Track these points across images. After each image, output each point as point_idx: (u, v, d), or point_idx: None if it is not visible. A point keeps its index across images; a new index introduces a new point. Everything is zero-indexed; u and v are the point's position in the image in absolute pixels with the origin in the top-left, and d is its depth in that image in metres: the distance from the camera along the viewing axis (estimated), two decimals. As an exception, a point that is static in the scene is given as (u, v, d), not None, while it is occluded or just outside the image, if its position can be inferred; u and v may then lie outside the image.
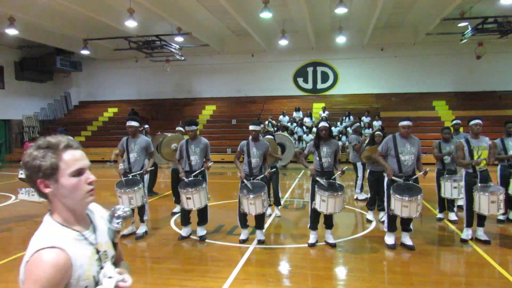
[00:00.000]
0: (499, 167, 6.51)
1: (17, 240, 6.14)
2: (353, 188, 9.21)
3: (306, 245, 5.46)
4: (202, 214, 5.83)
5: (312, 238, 5.50)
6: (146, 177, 6.06)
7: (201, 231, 5.84)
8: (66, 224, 1.36)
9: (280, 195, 7.48)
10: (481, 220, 5.50)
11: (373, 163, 6.67)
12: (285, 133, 11.69)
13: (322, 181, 5.31)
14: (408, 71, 21.05)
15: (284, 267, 4.98)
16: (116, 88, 24.27)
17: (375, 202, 6.84)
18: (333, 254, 5.24)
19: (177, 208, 7.58)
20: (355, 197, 8.87)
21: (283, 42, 18.48)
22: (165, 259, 5.13)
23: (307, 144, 5.89)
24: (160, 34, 17.18)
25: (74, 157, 1.36)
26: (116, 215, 1.50)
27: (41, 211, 7.55)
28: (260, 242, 5.56)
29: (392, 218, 5.31)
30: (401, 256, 5.13)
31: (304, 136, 18.10)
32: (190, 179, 5.70)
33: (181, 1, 15.25)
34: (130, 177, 5.84)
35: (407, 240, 5.32)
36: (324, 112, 19.36)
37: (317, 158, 5.48)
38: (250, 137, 5.75)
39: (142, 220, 6.01)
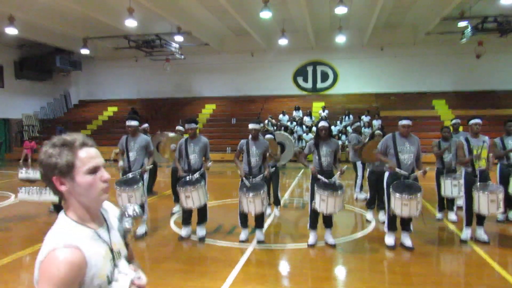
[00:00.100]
0: (498, 166, 6.52)
1: (16, 240, 6.13)
2: (353, 187, 9.21)
3: (306, 245, 5.46)
4: (202, 213, 5.82)
5: (311, 238, 5.49)
6: (146, 176, 6.05)
7: (201, 231, 5.83)
8: (81, 221, 1.36)
9: (279, 195, 7.47)
10: (481, 219, 5.50)
11: (374, 163, 6.67)
12: (285, 132, 11.68)
13: (323, 179, 5.31)
14: (408, 70, 21.05)
15: (283, 267, 4.98)
16: (115, 87, 24.27)
17: (375, 201, 6.83)
18: (332, 254, 5.24)
19: (176, 208, 7.57)
20: (354, 197, 8.87)
21: (283, 42, 18.48)
22: (165, 259, 5.13)
23: (307, 144, 5.89)
24: (160, 33, 17.18)
25: (89, 155, 1.36)
26: (126, 214, 1.50)
27: (41, 211, 7.56)
28: (259, 242, 5.56)
29: (392, 218, 5.31)
30: (401, 256, 5.13)
31: (304, 135, 18.11)
32: (189, 178, 5.69)
33: (181, 0, 15.23)
34: (130, 176, 5.83)
35: (406, 240, 5.32)
36: (323, 111, 19.36)
37: (317, 158, 5.48)
38: (250, 136, 5.74)
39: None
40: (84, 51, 18.77)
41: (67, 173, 1.32)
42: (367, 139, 7.79)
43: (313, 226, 5.50)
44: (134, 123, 6.01)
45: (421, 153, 5.41)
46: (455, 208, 6.85)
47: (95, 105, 24.40)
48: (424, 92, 20.81)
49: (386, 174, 5.38)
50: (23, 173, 6.97)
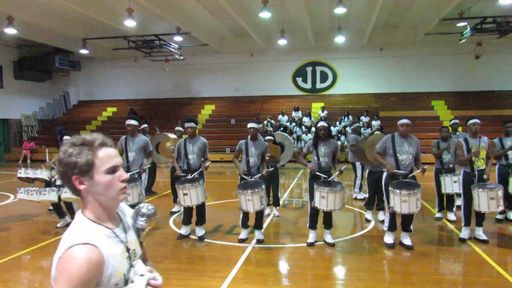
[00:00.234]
0: (497, 166, 6.55)
1: (15, 240, 6.13)
2: (352, 187, 9.22)
3: (305, 244, 5.47)
4: (200, 214, 5.83)
5: (311, 238, 5.51)
6: (144, 175, 6.06)
7: (200, 231, 5.84)
8: (98, 221, 1.37)
9: (279, 195, 7.48)
10: (480, 219, 5.51)
11: (373, 165, 6.67)
12: (284, 133, 11.69)
13: (322, 175, 5.32)
14: (407, 71, 21.07)
15: (283, 266, 4.98)
16: (115, 87, 24.26)
17: (374, 201, 6.84)
18: (332, 253, 5.25)
19: (176, 208, 7.58)
20: (354, 197, 8.88)
21: (282, 42, 18.48)
22: (164, 259, 5.13)
23: (306, 144, 5.91)
24: (159, 34, 17.17)
25: (109, 155, 1.37)
26: (140, 213, 1.51)
27: (40, 211, 7.56)
28: (259, 241, 5.56)
29: (393, 217, 5.32)
30: (400, 255, 5.14)
31: (303, 135, 18.11)
32: (187, 177, 5.70)
33: (180, 0, 15.24)
34: (128, 175, 5.83)
35: (406, 239, 5.33)
36: (323, 111, 19.37)
37: (315, 158, 5.49)
38: (249, 137, 5.76)
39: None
40: (83, 51, 18.75)
41: (86, 172, 1.33)
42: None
43: (313, 225, 5.50)
44: (133, 122, 6.02)
45: (420, 153, 5.42)
46: (454, 208, 6.86)
47: (94, 106, 24.38)
48: (423, 93, 20.82)
49: (385, 174, 5.40)
50: (22, 173, 6.98)
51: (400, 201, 5.01)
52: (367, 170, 7.03)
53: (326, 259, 5.12)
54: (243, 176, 5.61)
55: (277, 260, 5.11)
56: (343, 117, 19.19)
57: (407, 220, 5.28)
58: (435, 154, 6.79)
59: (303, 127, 18.71)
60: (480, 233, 5.53)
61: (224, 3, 13.78)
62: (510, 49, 19.59)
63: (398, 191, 5.01)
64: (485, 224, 5.65)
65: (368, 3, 15.34)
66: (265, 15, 13.40)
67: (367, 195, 7.26)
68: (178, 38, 17.73)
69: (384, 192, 5.40)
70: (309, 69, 22.35)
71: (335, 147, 5.57)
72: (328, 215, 5.44)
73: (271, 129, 16.82)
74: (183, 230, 5.88)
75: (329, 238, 5.48)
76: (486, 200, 5.21)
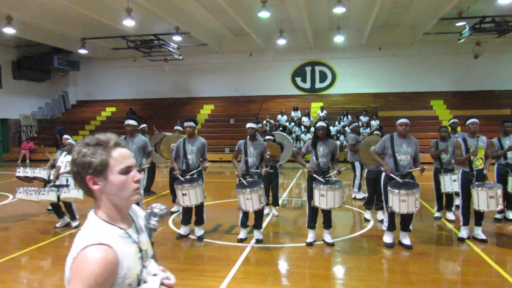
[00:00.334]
0: (496, 166, 6.56)
1: (14, 240, 6.13)
2: (351, 187, 9.23)
3: (304, 244, 5.47)
4: (199, 214, 5.83)
5: (310, 237, 5.51)
6: (143, 175, 6.05)
7: (199, 231, 5.84)
8: (111, 221, 1.36)
9: (279, 195, 7.48)
10: (479, 219, 5.52)
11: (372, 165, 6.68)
12: (283, 133, 11.69)
13: (319, 178, 5.32)
14: (406, 70, 21.08)
15: (282, 266, 4.98)
16: (114, 87, 24.23)
17: (373, 201, 6.85)
18: (331, 253, 5.25)
19: (175, 208, 7.58)
20: (353, 196, 8.88)
21: (281, 42, 18.48)
22: (163, 259, 5.12)
23: (305, 143, 5.91)
24: (158, 34, 17.15)
25: (123, 155, 1.37)
26: (153, 213, 1.51)
27: (39, 211, 7.55)
28: (258, 241, 5.57)
29: (392, 217, 5.32)
30: (399, 255, 5.15)
31: (302, 135, 18.11)
32: (186, 177, 5.70)
33: (179, 0, 15.23)
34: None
35: (405, 239, 5.34)
36: (322, 111, 19.38)
37: (314, 158, 5.49)
38: (248, 137, 5.76)
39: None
40: (82, 51, 18.72)
41: (101, 172, 1.33)
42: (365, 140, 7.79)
43: (312, 225, 5.51)
44: (132, 122, 6.01)
45: (420, 154, 5.42)
46: (453, 208, 6.87)
47: (93, 106, 24.35)
48: (422, 92, 20.84)
49: (383, 174, 5.40)
50: (20, 172, 6.97)
51: (399, 201, 5.01)
52: (366, 170, 7.04)
53: (325, 259, 5.12)
54: (241, 178, 5.61)
55: (276, 260, 5.11)
56: (342, 117, 19.20)
57: (406, 219, 5.28)
58: (432, 155, 6.80)
59: (302, 127, 18.71)
60: (479, 232, 5.53)
61: (223, 3, 13.77)
62: (509, 49, 19.61)
63: (396, 191, 5.01)
64: (484, 224, 5.66)
65: (367, 2, 15.34)
66: (264, 14, 13.41)
67: (366, 195, 7.27)
68: (177, 38, 17.72)
69: (383, 191, 5.40)
70: (308, 69, 22.35)
71: (334, 147, 5.57)
72: (327, 215, 5.44)
73: (268, 128, 16.82)
74: (182, 230, 5.88)
75: (328, 238, 5.48)
76: (486, 199, 5.22)
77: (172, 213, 7.42)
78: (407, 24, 19.47)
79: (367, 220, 6.80)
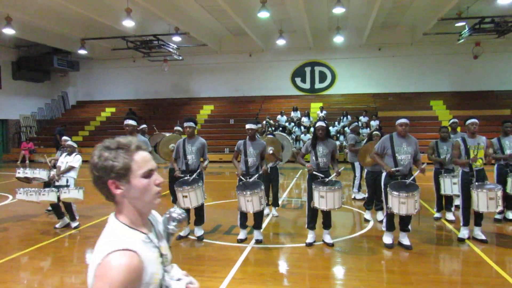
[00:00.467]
0: (496, 166, 6.56)
1: (14, 241, 6.12)
2: (351, 187, 9.23)
3: (304, 244, 5.47)
4: (199, 215, 5.83)
5: (310, 238, 5.51)
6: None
7: (199, 231, 5.84)
8: (133, 226, 1.33)
9: (279, 196, 7.48)
10: (478, 219, 5.52)
11: (373, 165, 6.67)
12: (283, 133, 11.69)
13: (320, 175, 5.33)
14: (406, 70, 21.09)
15: (281, 266, 4.98)
16: (113, 88, 24.23)
17: (373, 201, 6.85)
18: (330, 253, 5.25)
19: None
20: (352, 197, 8.88)
21: (281, 42, 18.49)
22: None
23: (304, 144, 5.91)
24: (157, 34, 17.15)
25: (144, 158, 1.35)
26: (172, 218, 1.50)
27: (39, 211, 7.55)
28: (257, 241, 5.57)
29: (390, 217, 5.32)
30: (399, 255, 5.14)
31: (302, 136, 18.11)
32: (186, 177, 5.70)
33: (178, 0, 15.23)
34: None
35: (404, 239, 5.34)
36: (321, 112, 19.38)
37: (313, 158, 5.49)
38: (248, 137, 5.76)
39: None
40: (82, 52, 18.72)
41: (123, 176, 1.30)
42: (365, 140, 7.80)
43: (311, 226, 5.50)
44: (131, 122, 6.02)
45: (420, 153, 5.42)
46: (453, 208, 6.87)
47: (93, 106, 24.34)
48: (422, 93, 20.85)
49: (384, 174, 5.40)
50: (20, 173, 6.96)
51: (399, 203, 5.01)
52: (366, 170, 7.04)
53: (325, 259, 5.12)
54: (241, 177, 5.62)
55: (276, 260, 5.11)
56: (341, 117, 19.21)
57: (405, 220, 5.28)
58: (429, 158, 6.80)
59: (302, 127, 18.72)
60: (478, 233, 5.53)
61: (222, 3, 13.77)
62: (509, 49, 19.62)
63: (396, 193, 5.01)
64: (484, 224, 5.66)
65: (367, 3, 15.36)
66: (264, 15, 13.41)
67: (366, 195, 7.26)
68: (176, 38, 17.73)
69: (383, 192, 5.40)
70: (307, 69, 22.35)
71: (334, 147, 5.57)
72: (327, 215, 5.44)
73: (269, 129, 16.81)
74: (182, 230, 5.88)
75: (328, 238, 5.48)
76: (486, 201, 5.22)
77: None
78: (406, 24, 19.49)
79: (366, 221, 6.80)
